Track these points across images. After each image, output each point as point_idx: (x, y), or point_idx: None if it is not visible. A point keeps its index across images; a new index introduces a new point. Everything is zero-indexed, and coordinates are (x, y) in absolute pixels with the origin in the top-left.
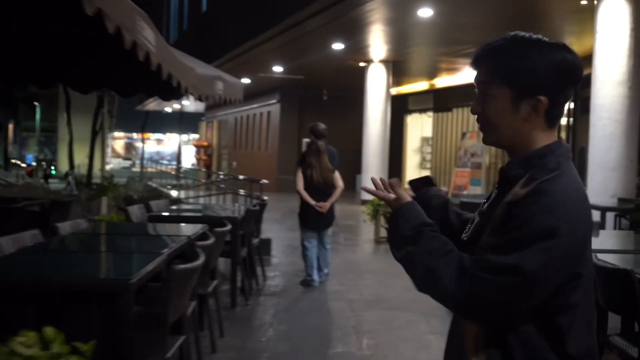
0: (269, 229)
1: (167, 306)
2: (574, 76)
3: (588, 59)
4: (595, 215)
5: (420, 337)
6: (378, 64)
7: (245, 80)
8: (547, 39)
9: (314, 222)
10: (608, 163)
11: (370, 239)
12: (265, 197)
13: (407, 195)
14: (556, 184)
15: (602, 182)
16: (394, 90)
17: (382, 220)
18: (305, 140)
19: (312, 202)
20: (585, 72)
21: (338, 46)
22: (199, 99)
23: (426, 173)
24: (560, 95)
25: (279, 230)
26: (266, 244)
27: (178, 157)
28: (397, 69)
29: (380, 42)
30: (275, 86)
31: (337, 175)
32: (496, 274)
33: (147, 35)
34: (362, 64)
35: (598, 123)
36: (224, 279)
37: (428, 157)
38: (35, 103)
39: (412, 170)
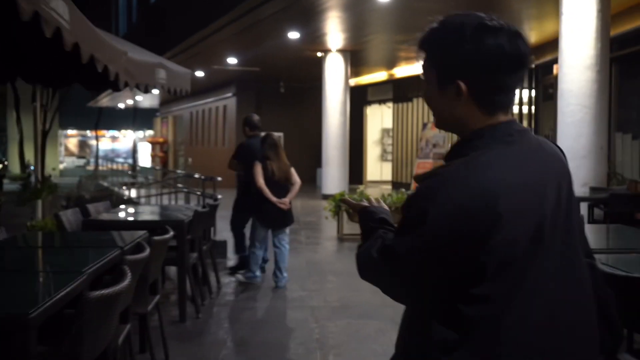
0: (224, 229)
1: (80, 344)
2: (504, 62)
3: (551, 44)
4: None
5: (393, 350)
6: (336, 54)
7: (199, 73)
8: (485, 21)
9: (274, 220)
10: (578, 151)
11: (333, 237)
12: (220, 196)
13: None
14: (446, 170)
15: (572, 171)
16: (353, 81)
17: (346, 217)
18: (263, 134)
19: (274, 199)
20: (548, 58)
21: (294, 35)
22: (137, 88)
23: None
24: (489, 80)
25: None
26: (221, 246)
27: (133, 154)
28: (356, 59)
29: (337, 30)
30: (231, 79)
31: (293, 170)
32: (381, 253)
33: (57, 7)
34: (319, 54)
35: (566, 109)
36: (175, 288)
37: (389, 148)
38: None
39: (373, 162)
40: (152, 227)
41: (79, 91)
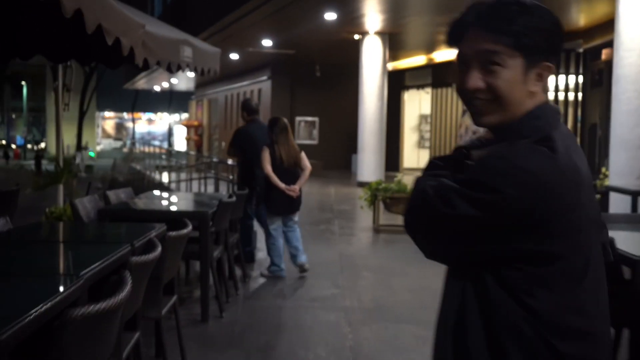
0: None
1: None
2: (563, 39)
3: (601, 27)
4: (625, 201)
5: None
6: (373, 36)
7: (234, 56)
8: None
9: (283, 207)
10: (634, 141)
11: (368, 227)
12: None
13: None
14: (522, 148)
15: (626, 163)
16: (390, 66)
17: (382, 207)
18: (298, 119)
19: (282, 185)
20: (597, 42)
21: (330, 16)
22: (158, 65)
23: (426, 153)
24: (557, 59)
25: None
26: None
27: (169, 137)
28: (394, 42)
29: (375, 11)
30: (266, 62)
31: (303, 155)
32: (436, 195)
33: None
34: (356, 37)
35: (622, 96)
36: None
37: (427, 135)
38: (22, 82)
39: (410, 149)
40: (172, 218)
41: (115, 72)
